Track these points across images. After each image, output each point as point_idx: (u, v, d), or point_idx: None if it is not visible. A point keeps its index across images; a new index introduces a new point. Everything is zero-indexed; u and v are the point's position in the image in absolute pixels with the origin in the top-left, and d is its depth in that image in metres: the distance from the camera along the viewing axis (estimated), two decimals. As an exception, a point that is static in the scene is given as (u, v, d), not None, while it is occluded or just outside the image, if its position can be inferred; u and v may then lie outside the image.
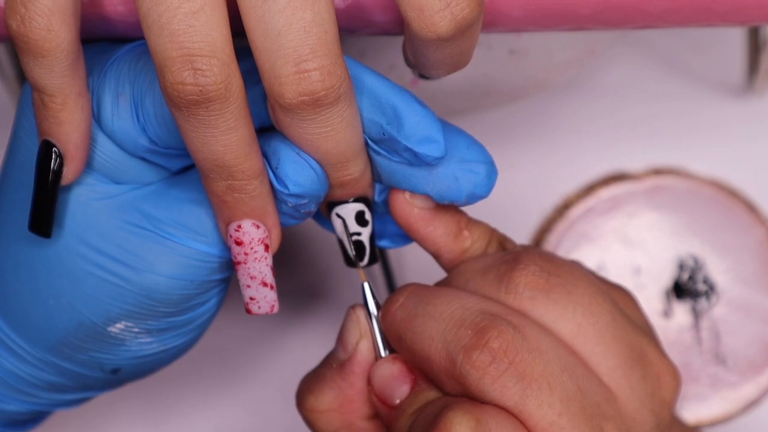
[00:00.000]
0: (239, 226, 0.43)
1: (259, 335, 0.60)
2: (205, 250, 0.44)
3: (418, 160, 0.44)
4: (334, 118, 0.41)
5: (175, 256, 0.45)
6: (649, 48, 0.63)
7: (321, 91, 0.40)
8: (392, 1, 0.44)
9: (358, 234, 0.45)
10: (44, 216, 0.43)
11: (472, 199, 0.46)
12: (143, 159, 0.45)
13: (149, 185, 0.45)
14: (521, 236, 0.61)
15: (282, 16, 0.39)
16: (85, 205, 0.45)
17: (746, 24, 0.47)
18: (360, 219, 0.45)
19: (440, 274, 0.61)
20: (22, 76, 0.60)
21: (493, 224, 0.61)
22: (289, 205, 0.43)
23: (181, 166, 0.46)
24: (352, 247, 0.45)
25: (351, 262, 0.45)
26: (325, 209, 0.45)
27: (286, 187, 0.43)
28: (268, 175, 0.43)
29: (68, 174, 0.43)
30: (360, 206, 0.44)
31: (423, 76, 0.46)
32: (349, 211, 0.44)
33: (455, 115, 0.60)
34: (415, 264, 0.60)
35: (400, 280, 0.60)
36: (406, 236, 0.47)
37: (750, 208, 0.61)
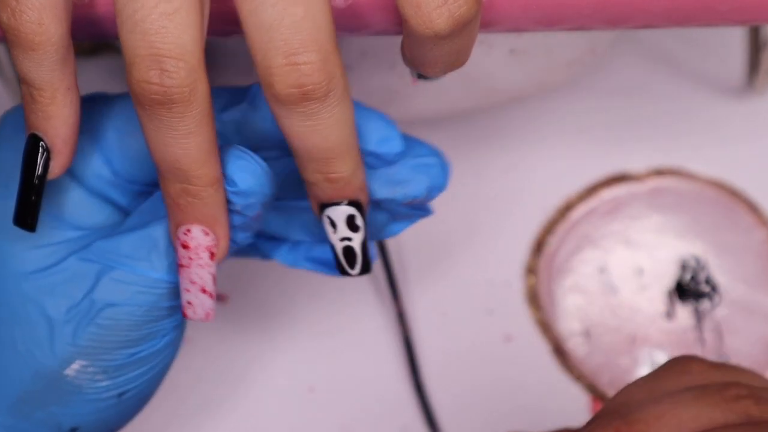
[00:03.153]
0: (188, 230, 0.43)
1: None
2: (151, 275, 0.45)
3: (379, 161, 0.45)
4: (321, 112, 0.41)
5: (120, 282, 0.45)
6: (649, 48, 0.63)
7: (309, 85, 0.40)
8: (392, 1, 0.44)
9: (349, 239, 0.44)
10: (30, 209, 0.43)
11: (432, 192, 0.47)
12: (105, 199, 0.45)
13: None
14: (523, 237, 0.61)
15: (274, 10, 0.40)
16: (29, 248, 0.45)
17: (747, 23, 0.47)
18: (351, 224, 0.44)
19: (441, 270, 0.61)
20: (21, 76, 0.60)
21: (495, 225, 0.61)
22: (237, 208, 0.44)
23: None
24: (342, 252, 0.45)
25: (342, 270, 0.45)
26: (316, 209, 0.45)
27: (233, 184, 0.43)
28: (223, 185, 0.43)
29: (55, 168, 0.43)
30: (351, 210, 0.44)
31: (421, 77, 0.46)
32: (339, 214, 0.44)
33: (455, 115, 0.60)
34: (416, 263, 0.60)
35: (401, 279, 0.60)
36: (417, 213, 0.48)
37: (752, 208, 0.61)
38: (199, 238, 0.43)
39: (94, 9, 0.45)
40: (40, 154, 0.43)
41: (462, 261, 0.60)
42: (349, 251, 0.45)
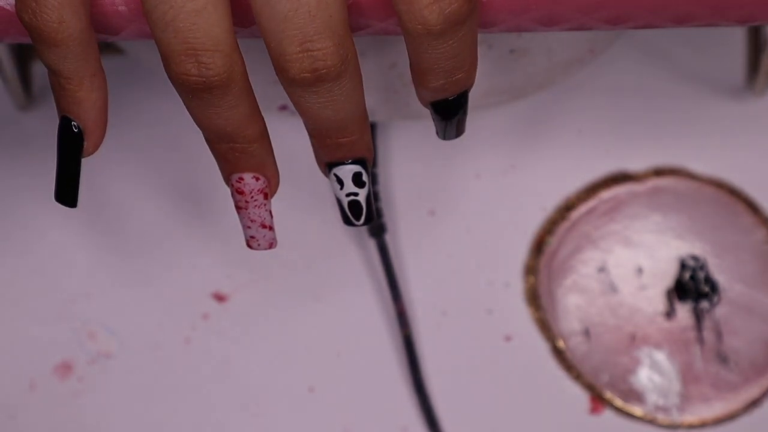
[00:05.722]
0: (240, 178, 0.46)
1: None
2: None
3: None
4: (333, 90, 0.43)
5: None
6: (649, 48, 0.63)
7: (323, 69, 0.42)
8: (391, 1, 0.45)
9: (355, 194, 0.47)
10: (70, 186, 0.45)
11: None
12: None
13: None
14: (523, 237, 0.61)
15: (289, 1, 0.41)
16: None
17: (747, 23, 0.47)
18: (357, 180, 0.46)
19: (441, 270, 0.61)
20: (22, 76, 0.60)
21: (495, 226, 0.61)
22: None
23: None
24: (348, 206, 0.47)
25: (348, 221, 0.47)
26: (324, 168, 0.46)
27: None
28: (268, 137, 0.45)
29: (89, 147, 0.45)
30: (357, 168, 0.46)
31: (439, 132, 0.47)
32: (346, 172, 0.46)
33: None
34: (416, 262, 0.60)
35: (401, 279, 0.60)
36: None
37: (751, 208, 0.61)
38: (251, 184, 0.46)
39: (102, 8, 0.45)
40: (74, 134, 0.45)
41: (462, 261, 0.60)
42: (355, 205, 0.47)
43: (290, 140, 0.57)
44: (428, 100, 0.46)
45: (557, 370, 0.59)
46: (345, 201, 0.47)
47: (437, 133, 0.48)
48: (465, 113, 0.46)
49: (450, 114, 0.46)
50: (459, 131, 0.47)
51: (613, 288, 0.60)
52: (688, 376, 0.59)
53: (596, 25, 0.47)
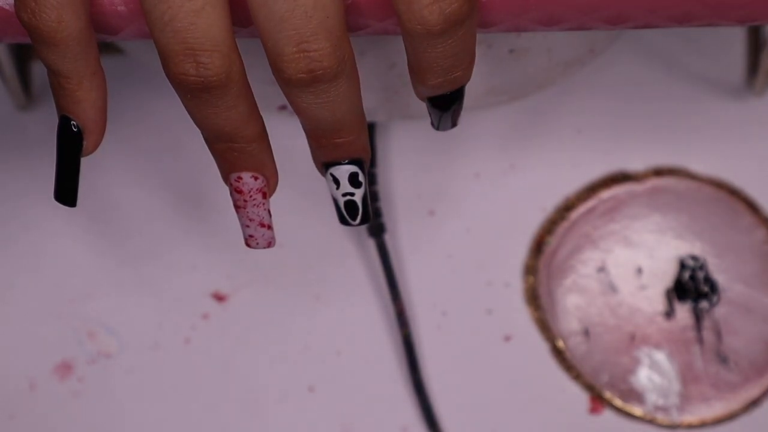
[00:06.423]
0: (239, 177, 0.46)
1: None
2: None
3: None
4: (330, 91, 0.43)
5: None
6: (649, 48, 0.63)
7: (319, 70, 0.42)
8: (390, 1, 0.45)
9: (351, 194, 0.47)
10: (69, 186, 0.45)
11: None
12: None
13: None
14: (522, 237, 0.61)
15: (285, 2, 0.41)
16: None
17: (747, 23, 0.47)
18: (353, 180, 0.46)
19: (441, 270, 0.61)
20: (22, 76, 0.60)
21: (495, 226, 0.61)
22: None
23: None
24: (344, 205, 0.47)
25: (344, 221, 0.48)
26: (321, 168, 0.47)
27: None
28: (266, 137, 0.45)
29: (88, 146, 0.45)
30: (353, 168, 0.46)
31: (434, 124, 0.47)
32: (342, 172, 0.46)
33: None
34: (416, 262, 0.60)
35: (401, 279, 0.60)
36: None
37: (751, 208, 0.61)
38: (250, 183, 0.46)
39: (101, 8, 0.45)
40: (73, 134, 0.45)
41: (462, 261, 0.60)
42: (351, 205, 0.47)
43: (289, 140, 0.57)
44: (425, 96, 0.46)
45: (557, 370, 0.59)
46: (341, 201, 0.47)
47: (432, 124, 0.48)
48: (460, 105, 0.46)
49: (446, 106, 0.46)
50: (454, 122, 0.48)
51: (612, 288, 0.60)
52: (687, 376, 0.59)
53: (596, 25, 0.47)
